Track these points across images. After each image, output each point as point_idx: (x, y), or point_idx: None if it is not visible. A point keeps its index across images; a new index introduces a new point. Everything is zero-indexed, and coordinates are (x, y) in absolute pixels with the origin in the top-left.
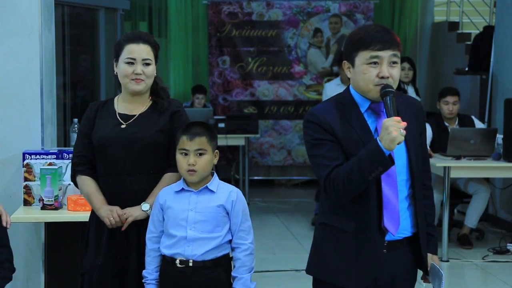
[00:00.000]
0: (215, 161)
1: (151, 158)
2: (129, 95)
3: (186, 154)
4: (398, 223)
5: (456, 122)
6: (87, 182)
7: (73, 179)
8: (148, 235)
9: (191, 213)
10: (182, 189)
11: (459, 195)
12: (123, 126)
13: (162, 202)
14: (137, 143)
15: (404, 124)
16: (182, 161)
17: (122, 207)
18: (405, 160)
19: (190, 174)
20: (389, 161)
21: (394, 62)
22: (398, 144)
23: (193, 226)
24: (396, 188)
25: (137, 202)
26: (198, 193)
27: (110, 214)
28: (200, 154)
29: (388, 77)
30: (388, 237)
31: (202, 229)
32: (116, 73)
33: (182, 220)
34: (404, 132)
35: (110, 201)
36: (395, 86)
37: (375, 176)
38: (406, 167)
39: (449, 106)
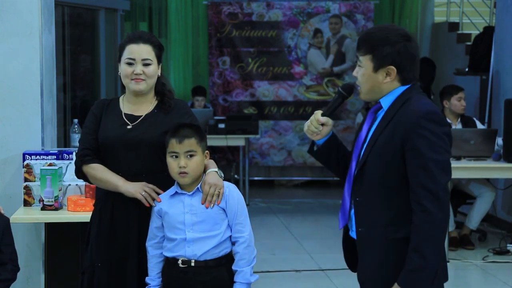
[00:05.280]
0: (206, 160)
1: (157, 158)
2: (132, 95)
3: (176, 157)
4: (345, 219)
5: (459, 121)
6: (99, 167)
7: (79, 171)
8: (148, 242)
9: (187, 216)
10: (176, 193)
11: (462, 196)
12: (129, 127)
13: (159, 209)
14: (143, 144)
15: (322, 119)
16: (172, 164)
17: (127, 208)
18: (354, 163)
19: (182, 176)
20: (311, 148)
21: (359, 64)
22: (310, 135)
23: (191, 228)
24: (350, 187)
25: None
26: (192, 196)
27: (141, 188)
28: (190, 156)
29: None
30: (351, 233)
31: (201, 229)
32: (120, 74)
33: (180, 223)
34: (315, 123)
35: (115, 201)
36: (362, 88)
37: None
38: (354, 170)
39: (462, 102)
